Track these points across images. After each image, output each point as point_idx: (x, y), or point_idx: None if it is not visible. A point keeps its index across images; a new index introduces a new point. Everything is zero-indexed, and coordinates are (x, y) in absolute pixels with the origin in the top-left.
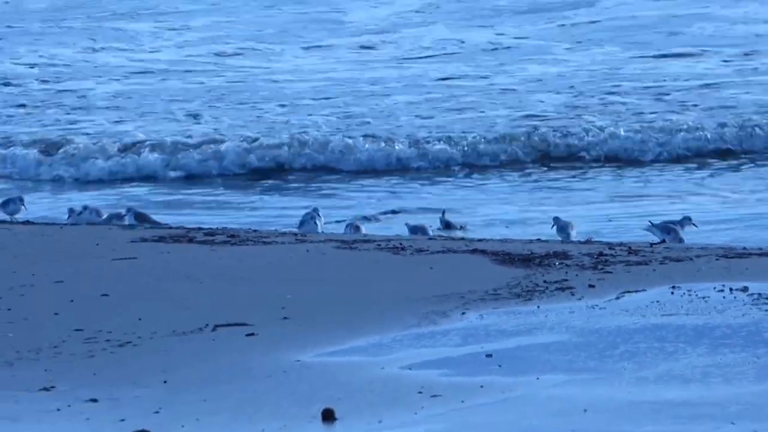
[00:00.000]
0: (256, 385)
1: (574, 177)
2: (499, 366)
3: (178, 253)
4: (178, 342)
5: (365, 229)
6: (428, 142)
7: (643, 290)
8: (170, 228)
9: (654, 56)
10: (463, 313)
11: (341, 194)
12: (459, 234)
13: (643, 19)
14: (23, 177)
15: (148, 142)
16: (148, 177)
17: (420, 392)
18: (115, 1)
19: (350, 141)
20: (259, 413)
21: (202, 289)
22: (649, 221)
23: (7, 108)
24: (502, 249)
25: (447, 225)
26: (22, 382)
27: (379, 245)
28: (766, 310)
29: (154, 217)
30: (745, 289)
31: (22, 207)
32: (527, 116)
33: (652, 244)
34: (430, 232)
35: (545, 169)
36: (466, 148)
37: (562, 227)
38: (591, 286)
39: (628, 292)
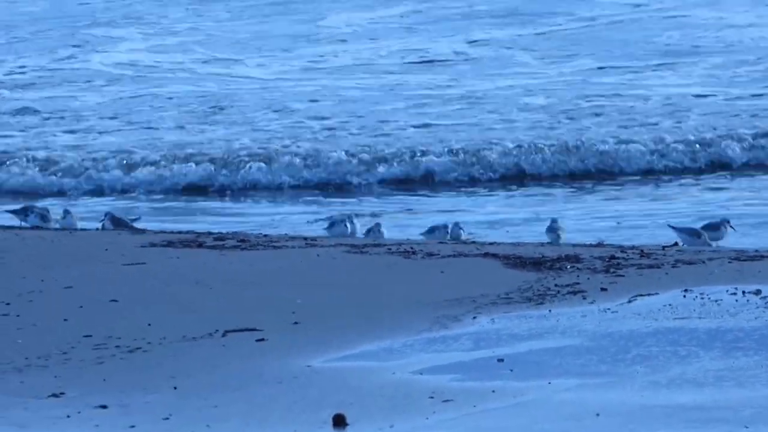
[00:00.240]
0: (266, 390)
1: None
2: (511, 370)
3: (187, 258)
4: (188, 347)
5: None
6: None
7: (656, 294)
8: (179, 233)
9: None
10: (475, 318)
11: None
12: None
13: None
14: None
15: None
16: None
17: (431, 397)
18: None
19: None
20: (269, 419)
21: (211, 294)
22: (669, 224)
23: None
24: (514, 252)
25: (457, 237)
26: (31, 389)
27: (390, 249)
28: None
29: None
30: (758, 292)
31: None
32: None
33: (664, 247)
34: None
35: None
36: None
37: (552, 228)
38: (603, 289)
39: (641, 295)
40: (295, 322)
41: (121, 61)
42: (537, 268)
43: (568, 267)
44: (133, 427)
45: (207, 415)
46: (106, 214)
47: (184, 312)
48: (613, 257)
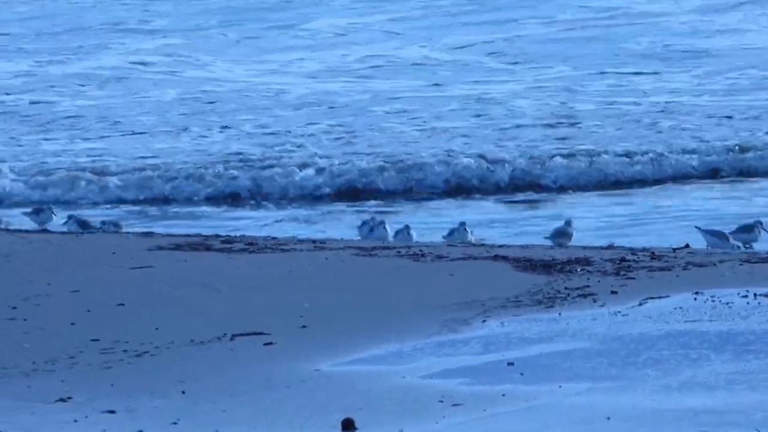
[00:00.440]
0: (274, 394)
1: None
2: (521, 374)
3: (195, 262)
4: (195, 351)
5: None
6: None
7: (667, 296)
8: (186, 236)
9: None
10: (484, 321)
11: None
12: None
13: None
14: None
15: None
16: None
17: (441, 401)
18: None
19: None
20: (278, 423)
21: (219, 297)
22: (696, 226)
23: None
24: (524, 255)
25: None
26: (38, 393)
27: (399, 252)
28: None
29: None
30: None
31: (53, 216)
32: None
33: (674, 249)
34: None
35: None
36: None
37: (560, 232)
38: (613, 292)
39: (651, 298)
40: (304, 326)
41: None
42: (547, 271)
43: (578, 270)
44: (140, 431)
45: (215, 419)
46: (70, 217)
47: (191, 316)
48: (623, 260)
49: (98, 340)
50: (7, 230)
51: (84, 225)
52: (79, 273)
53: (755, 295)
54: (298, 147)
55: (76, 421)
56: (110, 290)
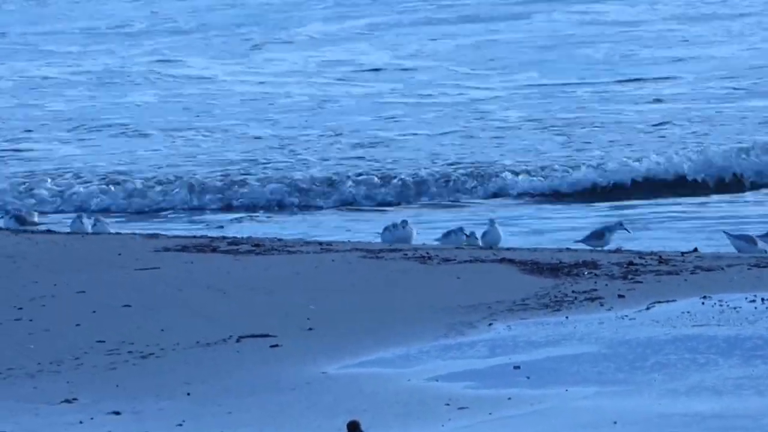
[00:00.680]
0: (280, 397)
1: None
2: (527, 378)
3: (201, 263)
4: (201, 353)
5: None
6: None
7: (674, 300)
8: (193, 237)
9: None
10: (491, 324)
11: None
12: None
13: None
14: None
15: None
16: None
17: (447, 404)
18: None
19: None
20: (284, 426)
21: (225, 299)
22: (724, 230)
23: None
24: (531, 258)
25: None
26: (43, 395)
27: (406, 255)
28: None
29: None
30: None
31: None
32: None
33: (683, 253)
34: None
35: None
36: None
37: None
38: (621, 296)
39: (659, 302)
40: (310, 328)
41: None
42: (554, 274)
43: (586, 273)
44: None
45: (221, 421)
46: (7, 212)
47: (197, 317)
48: (631, 263)
49: (104, 341)
50: (12, 231)
51: (22, 221)
52: (84, 274)
53: (763, 299)
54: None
55: (81, 422)
56: (116, 291)
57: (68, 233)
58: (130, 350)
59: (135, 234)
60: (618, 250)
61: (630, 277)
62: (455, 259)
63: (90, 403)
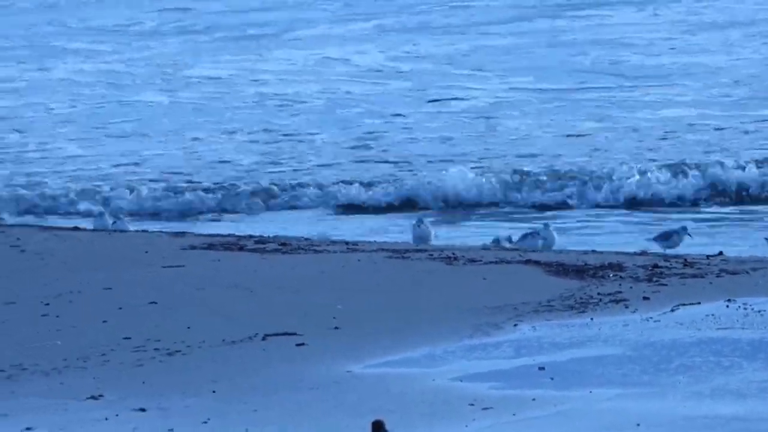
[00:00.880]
0: (306, 395)
1: None
2: (552, 379)
3: (228, 261)
4: (227, 351)
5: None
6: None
7: (698, 303)
8: (219, 236)
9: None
10: (516, 325)
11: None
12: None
13: None
14: None
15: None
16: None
17: (472, 404)
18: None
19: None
20: (308, 424)
21: (251, 297)
22: (766, 237)
23: None
24: (556, 260)
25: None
26: (70, 390)
27: (432, 255)
28: None
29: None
30: None
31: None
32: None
33: (708, 257)
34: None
35: None
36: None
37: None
38: (645, 298)
39: (683, 305)
40: (336, 327)
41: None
42: (579, 276)
43: (611, 275)
44: (171, 430)
45: (246, 419)
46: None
47: (223, 315)
48: (656, 266)
49: (130, 338)
50: (41, 227)
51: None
52: (110, 271)
53: None
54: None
55: (107, 419)
56: (142, 289)
57: (93, 230)
58: (157, 347)
59: (162, 232)
60: (643, 253)
61: (655, 279)
62: (481, 260)
63: (116, 400)
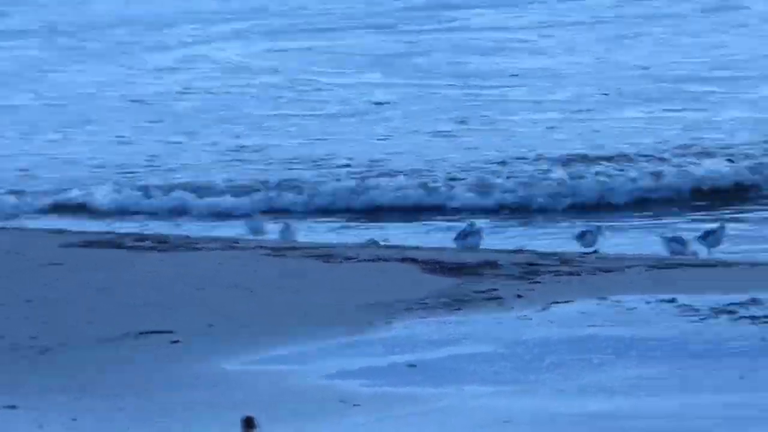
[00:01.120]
0: (179, 393)
1: None
2: (424, 376)
3: (102, 259)
4: (101, 349)
5: None
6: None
7: (571, 301)
8: (98, 233)
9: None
10: (390, 323)
11: None
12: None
13: None
14: None
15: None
16: None
17: (342, 402)
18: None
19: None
20: (180, 422)
21: (125, 295)
22: (664, 236)
23: None
24: (434, 258)
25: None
26: None
27: (309, 253)
28: (693, 322)
29: None
30: (673, 300)
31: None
32: None
33: (583, 255)
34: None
35: None
36: None
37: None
38: (519, 296)
39: (556, 302)
40: (210, 325)
41: None
42: (456, 274)
43: (487, 273)
44: (41, 426)
45: (116, 416)
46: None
47: (99, 313)
48: (531, 264)
49: (3, 336)
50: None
51: None
52: None
53: (659, 300)
54: None
55: None
56: (18, 287)
57: None
58: (31, 345)
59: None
60: (520, 251)
61: (530, 277)
62: (357, 258)
63: None
